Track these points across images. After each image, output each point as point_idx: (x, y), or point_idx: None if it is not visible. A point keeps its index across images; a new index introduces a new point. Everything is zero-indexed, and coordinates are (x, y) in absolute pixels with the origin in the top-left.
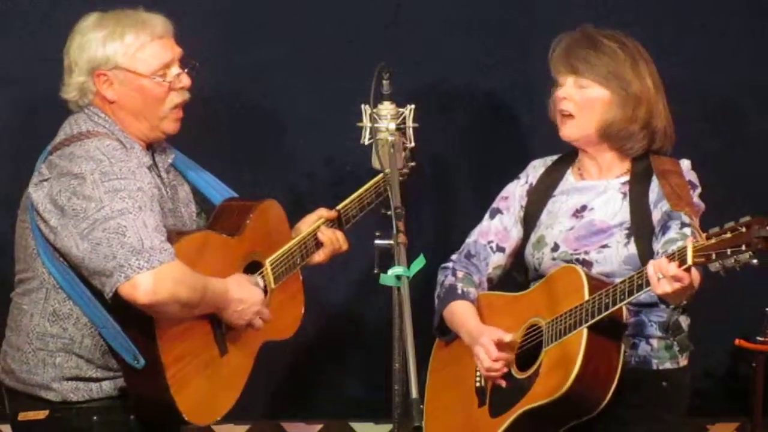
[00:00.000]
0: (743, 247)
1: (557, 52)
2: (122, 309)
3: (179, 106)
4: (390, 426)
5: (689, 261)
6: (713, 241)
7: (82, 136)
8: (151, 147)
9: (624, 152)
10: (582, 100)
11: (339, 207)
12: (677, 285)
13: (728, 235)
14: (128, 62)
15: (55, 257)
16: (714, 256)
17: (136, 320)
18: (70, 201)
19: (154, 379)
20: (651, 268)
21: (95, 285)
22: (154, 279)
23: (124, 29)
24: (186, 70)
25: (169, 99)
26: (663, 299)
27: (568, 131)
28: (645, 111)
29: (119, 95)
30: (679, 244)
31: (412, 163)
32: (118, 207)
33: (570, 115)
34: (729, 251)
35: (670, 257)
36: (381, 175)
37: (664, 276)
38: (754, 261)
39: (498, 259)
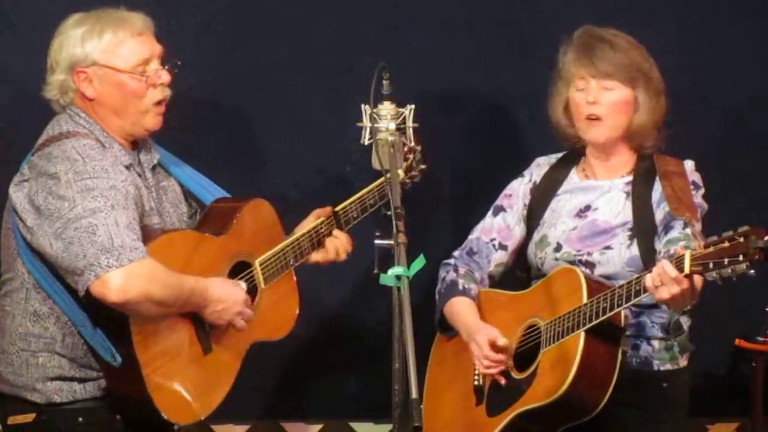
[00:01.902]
0: (740, 257)
1: (574, 54)
2: (96, 307)
3: (160, 103)
4: (390, 426)
5: (686, 269)
6: (711, 250)
7: (62, 136)
8: (136, 147)
9: (637, 150)
10: (609, 103)
11: (338, 208)
12: (676, 289)
13: (726, 244)
14: (106, 58)
15: (34, 257)
16: (711, 266)
17: (111, 318)
18: (46, 201)
19: (131, 378)
20: (649, 279)
21: (70, 284)
22: (123, 277)
23: (103, 27)
24: (166, 67)
25: (149, 95)
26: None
27: (596, 135)
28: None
29: (99, 92)
30: (681, 243)
31: (423, 166)
32: (90, 206)
33: (598, 119)
34: (726, 261)
35: (670, 260)
36: (384, 177)
37: (663, 282)
38: (751, 271)
39: (500, 257)
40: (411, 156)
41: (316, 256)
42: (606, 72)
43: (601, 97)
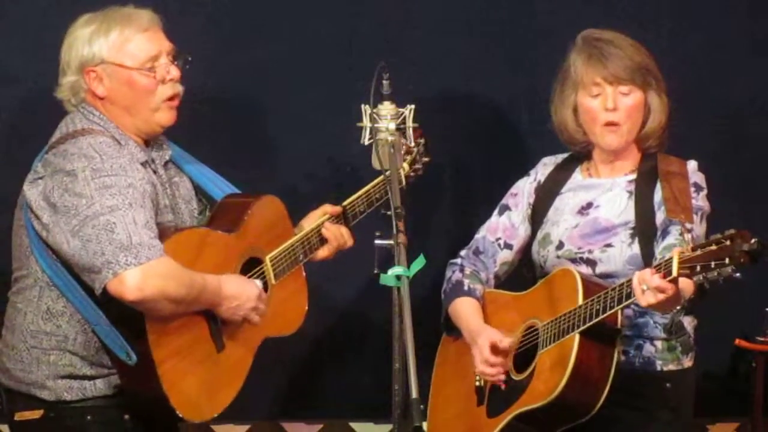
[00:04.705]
0: (726, 261)
1: (586, 59)
2: (113, 305)
3: (172, 99)
4: (390, 426)
5: (674, 272)
6: (698, 252)
7: (77, 133)
8: (148, 143)
9: (643, 150)
10: (627, 109)
11: (345, 203)
12: (661, 296)
13: (713, 247)
14: (114, 56)
15: (48, 255)
16: (698, 268)
17: (127, 316)
18: (62, 198)
19: (146, 375)
20: (635, 279)
21: (86, 282)
22: (141, 275)
23: (110, 25)
24: (176, 63)
25: (160, 91)
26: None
27: (616, 141)
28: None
29: (109, 90)
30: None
31: (426, 159)
32: (108, 204)
33: (617, 125)
34: (713, 264)
35: (656, 268)
36: (384, 174)
37: (648, 288)
38: (737, 275)
39: (505, 256)
40: (415, 149)
41: (322, 252)
42: (622, 77)
43: (620, 103)
